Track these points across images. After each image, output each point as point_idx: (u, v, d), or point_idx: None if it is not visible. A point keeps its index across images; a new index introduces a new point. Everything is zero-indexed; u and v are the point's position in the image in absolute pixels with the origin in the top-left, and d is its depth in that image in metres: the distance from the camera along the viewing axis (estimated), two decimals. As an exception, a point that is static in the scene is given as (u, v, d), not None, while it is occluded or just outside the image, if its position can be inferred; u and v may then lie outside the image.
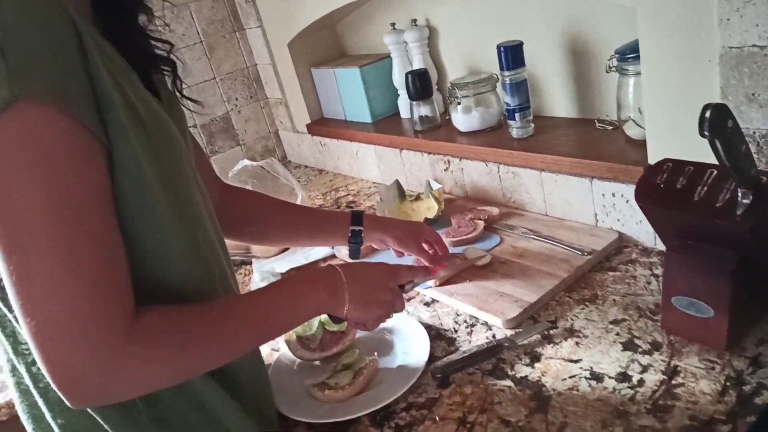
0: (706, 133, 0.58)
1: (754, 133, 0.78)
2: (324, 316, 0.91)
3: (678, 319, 0.78)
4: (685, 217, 0.71)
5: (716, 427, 0.65)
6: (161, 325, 0.55)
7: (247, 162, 1.31)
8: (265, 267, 1.23)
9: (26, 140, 0.47)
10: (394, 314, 0.77)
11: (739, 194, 0.65)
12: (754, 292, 0.74)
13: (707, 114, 0.57)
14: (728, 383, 0.70)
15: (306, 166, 1.88)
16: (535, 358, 0.82)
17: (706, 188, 0.70)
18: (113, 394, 0.54)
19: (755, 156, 0.79)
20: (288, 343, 0.90)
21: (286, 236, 0.96)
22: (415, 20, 1.42)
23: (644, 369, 0.75)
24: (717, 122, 0.58)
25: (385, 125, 1.56)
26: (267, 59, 1.78)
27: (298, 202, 1.32)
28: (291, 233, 0.94)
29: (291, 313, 0.67)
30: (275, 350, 0.99)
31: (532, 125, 1.20)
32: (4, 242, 0.47)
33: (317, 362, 0.91)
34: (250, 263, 1.29)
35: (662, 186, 0.74)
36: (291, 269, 1.20)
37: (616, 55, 1.01)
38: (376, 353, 0.87)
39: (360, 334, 0.94)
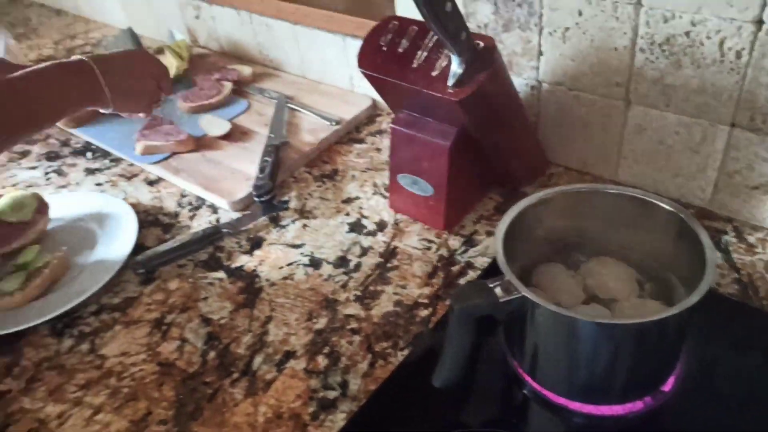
0: (400, -16, 0.46)
1: (492, -10, 0.70)
2: (0, 203, 0.73)
3: (403, 197, 0.72)
4: (402, 87, 0.62)
5: (417, 311, 0.62)
6: None
7: None
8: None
9: None
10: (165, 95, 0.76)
11: (454, 62, 0.57)
12: (476, 169, 0.70)
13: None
14: (439, 264, 0.67)
15: (42, 5, 1.50)
16: (257, 244, 0.73)
17: (426, 53, 0.61)
18: None
19: (492, 18, 0.72)
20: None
21: None
22: None
23: (364, 252, 0.70)
24: (415, -29, 0.47)
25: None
26: None
27: (0, 52, 1.03)
28: None
29: (48, 106, 0.64)
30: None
31: (291, -33, 1.02)
32: None
33: (-4, 260, 0.73)
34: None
35: (385, 49, 0.64)
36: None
37: None
38: (65, 248, 0.72)
39: (53, 225, 0.77)
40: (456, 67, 0.57)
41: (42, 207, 0.75)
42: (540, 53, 0.71)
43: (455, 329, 0.48)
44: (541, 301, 0.44)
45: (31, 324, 0.64)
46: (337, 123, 0.90)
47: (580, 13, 0.65)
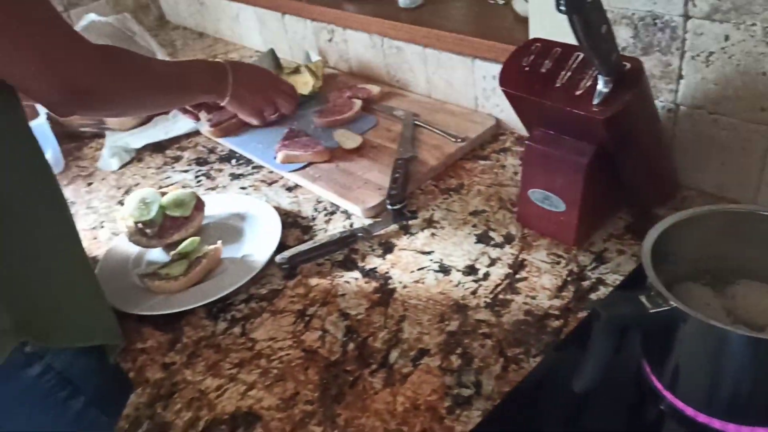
0: (562, 8, 0.50)
1: (633, 14, 0.71)
2: (165, 200, 0.83)
3: (532, 211, 0.75)
4: (545, 105, 0.65)
5: (548, 321, 0.64)
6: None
7: (94, 17, 1.11)
8: (118, 141, 1.09)
9: None
10: (281, 112, 0.98)
11: (600, 81, 0.60)
12: (608, 188, 0.71)
13: (566, -16, 0.49)
14: (569, 278, 0.69)
15: (185, 28, 1.67)
16: (388, 249, 0.78)
17: (569, 74, 0.64)
18: (95, 102, 0.63)
19: (632, 41, 0.73)
20: (127, 229, 0.81)
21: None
22: None
23: (492, 262, 0.73)
24: (576, -5, 0.50)
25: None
26: None
27: (160, 68, 1.16)
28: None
29: (191, 87, 0.82)
30: (115, 234, 0.90)
31: (419, -5, 1.08)
32: None
33: (159, 251, 0.83)
34: (103, 136, 1.15)
35: (527, 69, 0.67)
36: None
37: None
38: (220, 241, 0.80)
39: (207, 221, 0.86)
40: (602, 87, 0.59)
41: (199, 204, 0.84)
42: (680, 77, 0.71)
43: (599, 337, 0.49)
44: (697, 314, 0.45)
45: (191, 307, 0.72)
46: (463, 140, 0.94)
47: (727, 38, 0.65)
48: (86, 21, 1.10)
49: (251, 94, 0.91)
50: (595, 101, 0.60)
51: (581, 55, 0.64)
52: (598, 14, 0.53)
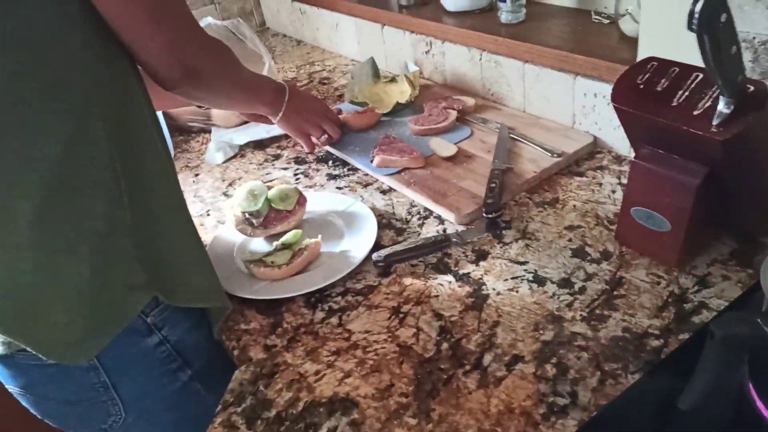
0: (694, 26, 0.50)
1: (754, 38, 0.70)
2: (271, 193, 0.87)
3: (633, 230, 0.74)
4: (659, 123, 0.65)
5: (647, 340, 0.63)
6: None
7: (211, 20, 1.19)
8: (223, 137, 1.16)
9: None
10: (327, 136, 1.03)
11: (721, 102, 0.59)
12: (714, 211, 0.70)
13: (699, 3, 0.50)
14: (670, 299, 0.68)
15: (284, 35, 1.75)
16: (482, 256, 0.79)
17: (687, 93, 0.63)
18: (195, 82, 0.67)
19: (750, 65, 0.72)
20: (234, 218, 0.86)
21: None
22: None
23: (589, 277, 0.73)
24: (709, 14, 0.50)
25: (371, -3, 1.43)
26: None
27: (265, 71, 1.23)
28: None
29: (259, 97, 0.90)
30: (221, 222, 0.96)
31: (524, 10, 1.10)
32: None
33: (261, 240, 0.88)
34: (209, 132, 1.22)
35: (642, 87, 0.67)
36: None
37: (625, -65, 0.89)
38: (320, 236, 0.83)
39: (308, 216, 0.90)
40: (723, 108, 0.59)
41: (302, 199, 0.89)
42: (801, 102, 0.69)
43: (712, 356, 0.49)
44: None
45: (293, 294, 0.76)
46: (559, 155, 0.94)
47: None
48: (204, 23, 1.18)
49: (300, 117, 0.99)
50: (715, 122, 0.59)
51: (700, 76, 0.64)
52: (729, 34, 0.53)
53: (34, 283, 0.57)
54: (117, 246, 0.60)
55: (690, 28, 0.51)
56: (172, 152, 1.16)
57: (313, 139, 1.04)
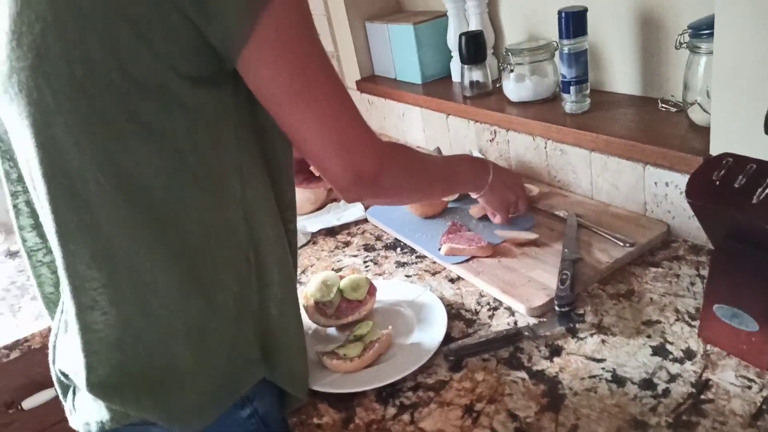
0: (772, 131, 0.50)
1: (836, 131, 0.69)
2: (343, 283, 0.90)
3: (718, 328, 0.71)
4: (739, 219, 0.63)
5: (742, 452, 0.59)
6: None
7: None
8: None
9: (308, 5, 0.60)
10: (517, 211, 1.03)
11: (805, 202, 0.58)
12: (809, 309, 0.66)
13: (776, 109, 0.50)
14: (764, 406, 0.63)
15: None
16: (556, 351, 0.78)
17: (767, 191, 0.62)
18: (379, 191, 0.69)
19: (834, 157, 0.70)
20: (306, 308, 0.89)
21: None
22: (476, -23, 1.33)
23: (672, 378, 0.69)
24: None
25: (435, 88, 1.49)
26: (321, 9, 1.73)
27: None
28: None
29: (462, 182, 0.93)
30: (294, 311, 0.99)
31: (588, 100, 1.12)
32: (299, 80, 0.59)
33: (332, 330, 0.89)
34: (283, 219, 1.28)
35: (718, 183, 0.66)
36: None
37: (689, 30, 0.91)
38: (390, 327, 0.84)
39: (378, 305, 0.92)
40: (808, 207, 0.57)
41: (372, 289, 0.91)
42: None
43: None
44: None
45: (364, 389, 0.77)
46: (631, 245, 0.92)
47: None
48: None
49: (504, 190, 0.98)
50: (801, 221, 0.58)
51: (780, 173, 0.62)
52: (810, 137, 0.52)
53: (183, 354, 0.63)
54: (246, 322, 0.66)
55: (766, 131, 0.51)
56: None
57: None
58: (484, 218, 1.08)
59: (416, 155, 0.79)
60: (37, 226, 0.71)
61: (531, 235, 0.99)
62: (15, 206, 0.71)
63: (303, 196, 1.25)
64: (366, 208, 1.23)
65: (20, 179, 0.69)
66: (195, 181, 0.61)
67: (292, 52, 0.59)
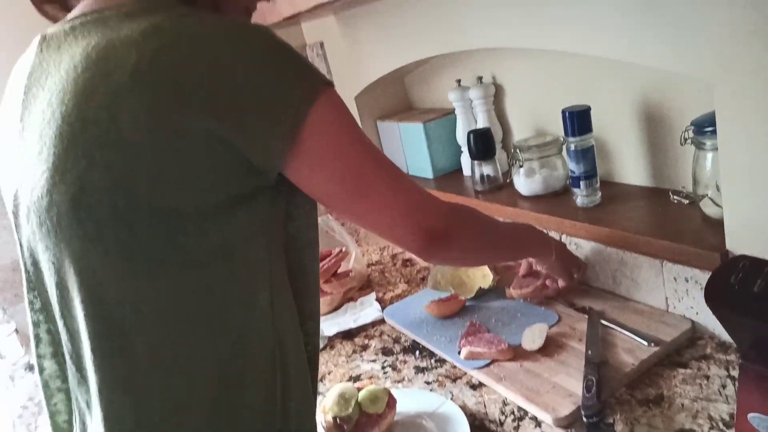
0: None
1: None
2: (361, 395, 0.88)
3: (756, 440, 0.67)
4: (761, 326, 0.61)
5: None
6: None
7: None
8: (313, 328, 1.21)
9: (343, 107, 0.62)
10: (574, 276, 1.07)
11: (830, 311, 0.56)
12: None
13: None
14: None
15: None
16: (586, 467, 0.74)
17: (789, 297, 0.61)
18: (450, 249, 0.72)
19: None
20: (324, 423, 0.87)
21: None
22: (480, 78, 1.39)
23: (713, 498, 0.65)
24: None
25: (447, 182, 1.52)
26: (334, 111, 1.80)
27: (352, 259, 1.31)
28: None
29: (527, 247, 0.99)
30: (312, 424, 0.96)
31: (599, 194, 1.13)
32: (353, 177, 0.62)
33: (352, 444, 0.87)
34: (300, 322, 1.28)
35: (736, 287, 0.65)
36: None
37: (692, 127, 0.93)
38: (411, 443, 0.82)
39: (398, 416, 0.89)
40: (834, 316, 0.56)
41: (391, 401, 0.88)
42: None
43: None
44: None
45: None
46: (656, 344, 0.90)
47: None
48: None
49: (565, 254, 1.04)
50: (828, 332, 0.56)
51: (800, 278, 0.61)
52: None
53: None
54: None
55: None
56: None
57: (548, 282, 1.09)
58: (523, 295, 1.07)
59: (481, 214, 0.82)
60: (57, 354, 0.72)
61: (537, 344, 0.96)
62: (36, 335, 0.72)
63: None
64: (382, 309, 1.23)
65: (43, 308, 0.70)
66: (227, 297, 0.61)
67: (338, 155, 0.61)
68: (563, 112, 1.09)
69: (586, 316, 1.01)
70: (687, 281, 0.92)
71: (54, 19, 0.74)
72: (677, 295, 0.95)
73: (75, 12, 0.64)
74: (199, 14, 0.58)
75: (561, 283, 1.06)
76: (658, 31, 0.83)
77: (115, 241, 0.57)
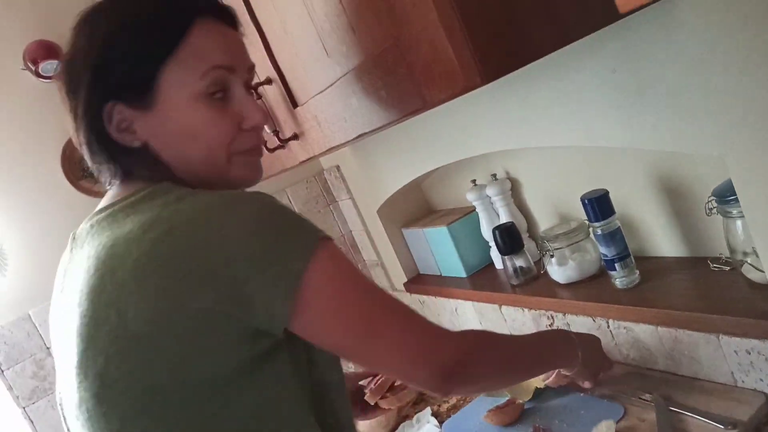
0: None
1: None
2: None
3: None
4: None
5: None
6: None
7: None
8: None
9: (341, 256, 0.64)
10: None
11: None
12: None
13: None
14: None
15: (409, 325, 1.85)
16: None
17: None
18: (467, 382, 0.72)
19: None
20: None
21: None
22: (494, 174, 1.43)
23: None
24: None
25: (481, 279, 1.52)
26: (360, 226, 1.85)
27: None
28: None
29: (551, 362, 0.93)
30: None
31: (637, 272, 1.11)
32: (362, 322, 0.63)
33: None
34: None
35: (803, 365, 0.63)
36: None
37: (714, 198, 0.93)
38: None
39: None
40: None
41: None
42: None
43: None
44: None
45: None
46: (734, 426, 0.85)
47: None
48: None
49: (592, 360, 0.99)
50: None
51: None
52: None
53: None
54: None
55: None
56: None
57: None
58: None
59: (496, 336, 0.80)
60: None
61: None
62: None
63: (373, 421, 1.23)
64: (440, 424, 1.19)
65: None
66: None
67: (344, 305, 0.63)
68: (582, 200, 1.10)
69: (653, 404, 0.97)
70: (749, 353, 0.89)
71: (88, 192, 0.82)
72: (742, 368, 0.91)
73: (100, 204, 0.69)
74: (195, 194, 0.62)
75: (587, 384, 1.03)
76: (655, 116, 0.86)
77: (140, 426, 0.59)
